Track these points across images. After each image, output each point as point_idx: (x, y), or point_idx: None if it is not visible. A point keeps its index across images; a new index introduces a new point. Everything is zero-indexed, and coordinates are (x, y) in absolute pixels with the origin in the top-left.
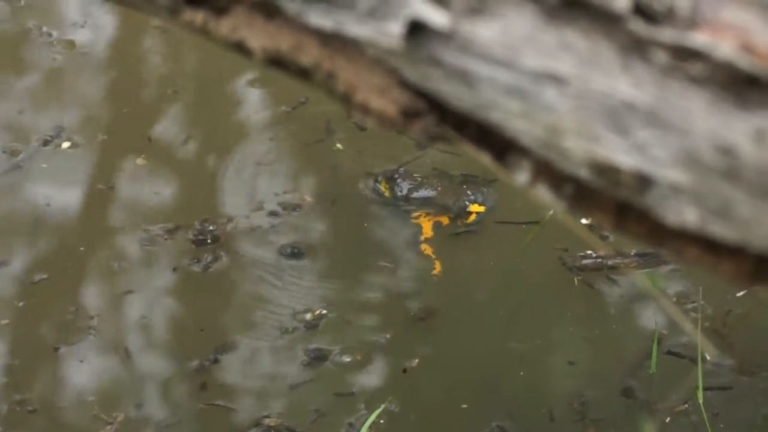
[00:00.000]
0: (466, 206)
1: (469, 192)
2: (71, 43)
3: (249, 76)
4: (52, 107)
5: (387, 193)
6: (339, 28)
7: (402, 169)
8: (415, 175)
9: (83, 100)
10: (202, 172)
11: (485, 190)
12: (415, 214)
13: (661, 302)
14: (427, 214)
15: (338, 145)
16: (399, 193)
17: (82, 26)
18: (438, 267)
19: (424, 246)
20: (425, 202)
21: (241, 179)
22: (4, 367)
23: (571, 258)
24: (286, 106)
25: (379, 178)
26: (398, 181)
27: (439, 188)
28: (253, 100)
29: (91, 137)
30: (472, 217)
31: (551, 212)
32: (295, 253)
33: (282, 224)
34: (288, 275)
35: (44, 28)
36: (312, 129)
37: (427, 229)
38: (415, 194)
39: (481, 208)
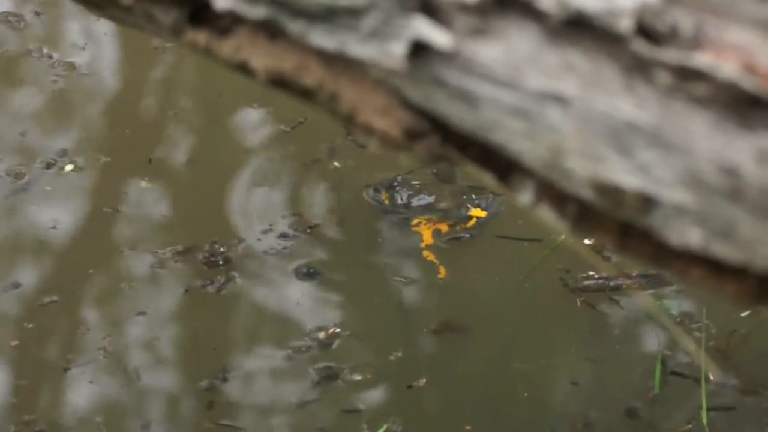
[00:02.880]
0: (468, 210)
1: (473, 196)
2: (72, 65)
3: (248, 96)
4: (54, 130)
5: (387, 201)
6: (342, 49)
7: (400, 177)
8: (413, 182)
9: (84, 123)
10: (206, 194)
11: (490, 197)
12: (415, 221)
13: (664, 323)
14: (427, 221)
15: (336, 164)
16: (399, 201)
17: (83, 48)
18: (443, 272)
19: (426, 253)
20: (425, 208)
21: (246, 201)
22: (12, 388)
23: (573, 279)
24: (285, 126)
25: (379, 188)
26: (397, 188)
27: (439, 194)
28: (253, 121)
29: (93, 160)
30: (472, 222)
31: (562, 237)
32: (309, 273)
33: (293, 245)
34: (302, 295)
35: (45, 50)
36: (313, 148)
37: (427, 236)
38: (415, 201)
39: (483, 213)
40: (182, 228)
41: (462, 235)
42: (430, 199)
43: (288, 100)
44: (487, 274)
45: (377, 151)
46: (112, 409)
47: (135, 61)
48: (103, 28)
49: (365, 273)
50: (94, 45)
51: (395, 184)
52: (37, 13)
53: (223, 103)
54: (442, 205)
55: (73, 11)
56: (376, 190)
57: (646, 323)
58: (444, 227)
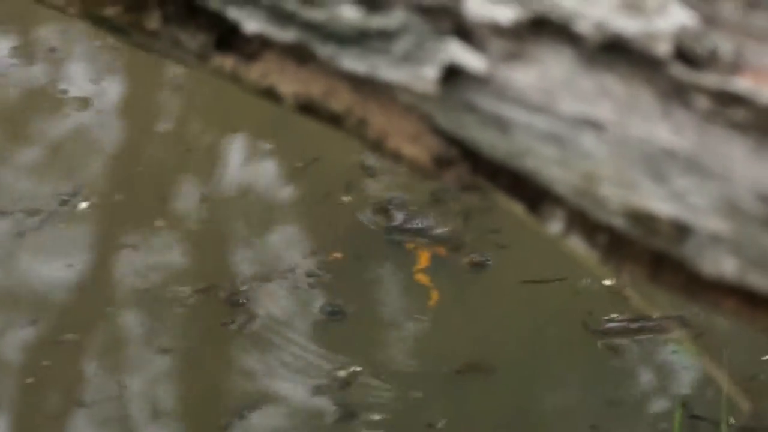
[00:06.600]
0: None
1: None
2: (85, 102)
3: (261, 132)
4: (67, 167)
5: (383, 224)
6: (373, 73)
7: (396, 198)
8: (410, 207)
9: (98, 159)
10: (221, 232)
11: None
12: (410, 246)
13: (684, 366)
14: (426, 246)
15: (344, 198)
16: (394, 223)
17: (96, 84)
18: (434, 298)
19: (432, 292)
20: (421, 232)
21: (263, 239)
22: (25, 426)
23: (596, 321)
24: (299, 163)
25: (377, 210)
26: (392, 211)
27: (437, 218)
28: (267, 158)
29: (107, 197)
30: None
31: (585, 280)
32: (332, 311)
33: (313, 283)
34: (323, 333)
35: (59, 87)
36: (325, 184)
37: (424, 260)
38: (410, 225)
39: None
40: (201, 267)
41: (469, 271)
42: (428, 223)
43: (299, 137)
44: (507, 316)
45: (384, 180)
46: None
47: (147, 98)
48: (116, 64)
49: (385, 311)
50: (107, 82)
51: (390, 206)
52: (52, 50)
53: (235, 140)
54: (441, 230)
55: (86, 48)
56: (374, 212)
57: (667, 366)
58: (441, 251)
